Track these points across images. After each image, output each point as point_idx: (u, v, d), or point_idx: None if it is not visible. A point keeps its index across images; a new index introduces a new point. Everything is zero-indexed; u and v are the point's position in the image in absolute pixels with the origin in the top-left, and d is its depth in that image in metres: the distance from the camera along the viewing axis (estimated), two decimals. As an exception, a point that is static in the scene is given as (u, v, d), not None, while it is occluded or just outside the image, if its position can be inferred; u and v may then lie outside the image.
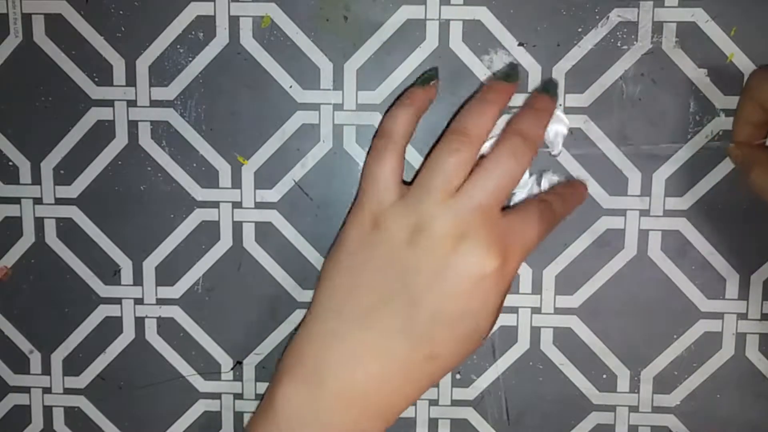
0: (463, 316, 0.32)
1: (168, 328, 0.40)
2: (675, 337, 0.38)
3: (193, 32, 0.38)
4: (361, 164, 0.38)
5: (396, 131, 0.34)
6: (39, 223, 0.39)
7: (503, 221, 0.33)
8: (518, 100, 0.37)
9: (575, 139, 0.37)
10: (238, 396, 0.40)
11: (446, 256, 0.31)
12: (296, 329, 0.35)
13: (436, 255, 0.31)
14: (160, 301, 0.40)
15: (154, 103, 0.38)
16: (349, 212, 0.36)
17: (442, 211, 0.32)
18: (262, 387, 0.40)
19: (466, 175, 0.33)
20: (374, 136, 0.36)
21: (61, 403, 0.41)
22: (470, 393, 0.39)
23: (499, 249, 0.31)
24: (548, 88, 0.36)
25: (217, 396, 0.40)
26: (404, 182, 0.35)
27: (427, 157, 0.35)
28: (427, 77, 0.36)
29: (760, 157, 0.34)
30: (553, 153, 0.37)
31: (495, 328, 0.39)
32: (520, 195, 0.37)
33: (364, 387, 0.32)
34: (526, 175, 0.37)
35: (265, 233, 0.39)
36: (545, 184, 0.37)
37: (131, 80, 0.38)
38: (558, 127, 0.37)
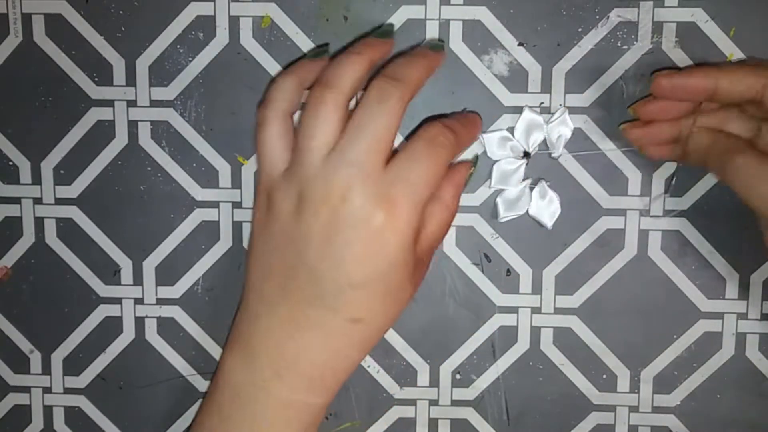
0: (372, 276, 0.31)
1: (168, 328, 0.40)
2: (675, 337, 0.38)
3: (193, 32, 0.38)
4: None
5: (277, 94, 0.33)
6: (39, 223, 0.39)
7: (386, 170, 0.31)
8: (521, 101, 0.37)
9: (575, 139, 0.37)
10: (238, 396, 0.40)
11: (330, 220, 0.31)
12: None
13: (320, 221, 0.31)
14: (160, 301, 0.40)
15: (154, 103, 0.38)
16: None
17: (318, 174, 0.31)
18: (262, 387, 0.40)
19: (339, 129, 0.31)
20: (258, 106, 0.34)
21: (62, 402, 0.41)
22: (470, 393, 0.39)
23: (381, 199, 0.30)
24: (433, 45, 0.35)
25: (217, 396, 0.40)
26: None
27: None
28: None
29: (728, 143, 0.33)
30: (553, 155, 0.37)
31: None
32: (511, 193, 0.37)
33: (293, 356, 0.32)
34: (520, 178, 0.37)
35: (265, 233, 0.39)
36: (538, 193, 0.37)
37: (131, 80, 0.38)
38: (562, 130, 0.37)
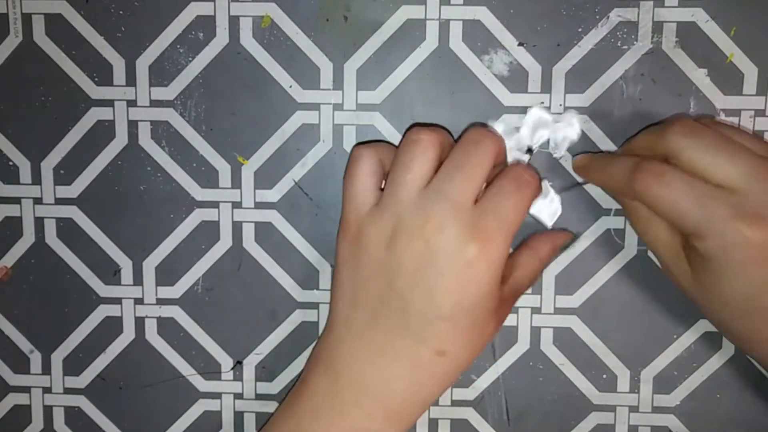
0: (461, 308, 0.31)
1: (168, 328, 0.40)
2: (675, 337, 0.38)
3: (193, 32, 0.38)
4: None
5: (374, 143, 0.34)
6: (39, 223, 0.39)
7: (477, 205, 0.32)
8: (521, 101, 0.37)
9: (575, 139, 0.37)
10: (238, 396, 0.40)
11: (424, 251, 0.31)
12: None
13: (413, 251, 0.31)
14: (160, 301, 0.40)
15: (154, 103, 0.38)
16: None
17: (413, 206, 0.32)
18: (262, 387, 0.40)
19: (433, 166, 0.32)
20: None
21: (62, 402, 0.41)
22: (470, 393, 0.39)
23: (474, 233, 0.31)
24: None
25: (217, 396, 0.40)
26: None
27: None
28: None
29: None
30: (555, 155, 0.37)
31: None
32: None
33: (374, 383, 0.32)
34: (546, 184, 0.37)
35: (265, 233, 0.39)
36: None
37: (131, 80, 0.38)
38: (568, 132, 0.36)
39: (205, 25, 0.37)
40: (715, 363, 0.38)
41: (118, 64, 0.38)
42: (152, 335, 0.40)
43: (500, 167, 0.34)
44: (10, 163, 0.39)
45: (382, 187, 0.34)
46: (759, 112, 0.37)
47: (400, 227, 0.31)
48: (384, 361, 0.32)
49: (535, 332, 0.39)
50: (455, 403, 0.39)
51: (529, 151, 0.37)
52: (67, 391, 0.40)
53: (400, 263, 0.31)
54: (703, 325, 0.38)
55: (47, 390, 0.40)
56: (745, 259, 0.29)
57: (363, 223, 0.33)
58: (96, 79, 0.38)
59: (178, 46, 0.38)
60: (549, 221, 0.37)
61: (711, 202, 0.30)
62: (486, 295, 0.32)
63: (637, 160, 0.32)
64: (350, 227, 0.33)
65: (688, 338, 0.38)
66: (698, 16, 0.36)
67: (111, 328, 0.40)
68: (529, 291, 0.38)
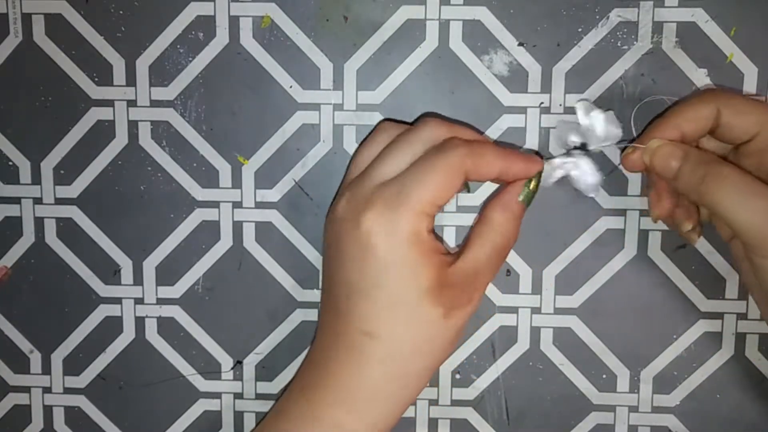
0: (368, 280, 0.30)
1: (168, 328, 0.40)
2: (675, 337, 0.38)
3: (193, 32, 0.38)
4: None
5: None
6: (39, 223, 0.39)
7: (390, 179, 0.31)
8: (521, 101, 0.37)
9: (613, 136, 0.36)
10: (239, 395, 0.40)
11: (336, 228, 0.32)
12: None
13: (332, 230, 0.32)
14: (161, 301, 0.40)
15: (154, 103, 0.38)
16: None
17: (346, 190, 0.33)
18: (262, 386, 0.40)
19: (377, 150, 0.33)
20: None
21: (62, 402, 0.41)
22: (470, 393, 0.39)
23: (368, 204, 0.31)
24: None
25: (217, 395, 0.40)
26: None
27: None
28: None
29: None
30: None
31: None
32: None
33: (324, 371, 0.32)
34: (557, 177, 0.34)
35: (265, 233, 0.39)
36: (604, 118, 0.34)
37: (131, 80, 0.38)
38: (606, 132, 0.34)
39: (205, 25, 0.37)
40: (715, 363, 0.38)
41: (118, 64, 0.38)
42: (152, 335, 0.40)
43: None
44: (10, 163, 0.39)
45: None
46: (759, 112, 0.37)
47: (337, 206, 0.32)
48: (330, 347, 0.32)
49: (535, 332, 0.39)
50: (455, 403, 0.39)
51: (582, 146, 0.35)
52: (67, 391, 0.40)
53: (329, 243, 0.33)
54: (703, 325, 0.38)
55: (47, 390, 0.40)
56: None
57: (343, 189, 0.34)
58: (96, 79, 0.38)
59: (178, 46, 0.38)
60: (593, 192, 0.34)
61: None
62: (392, 266, 0.30)
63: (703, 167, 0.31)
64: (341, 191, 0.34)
65: (688, 338, 0.38)
66: (698, 16, 0.36)
67: (111, 327, 0.40)
68: (529, 291, 0.38)
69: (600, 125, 0.34)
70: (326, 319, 0.33)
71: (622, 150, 0.35)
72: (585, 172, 0.34)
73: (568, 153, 0.35)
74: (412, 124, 0.35)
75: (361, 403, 0.32)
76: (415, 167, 0.31)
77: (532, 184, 0.33)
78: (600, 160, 0.36)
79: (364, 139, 0.35)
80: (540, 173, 0.33)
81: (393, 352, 0.31)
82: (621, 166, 0.36)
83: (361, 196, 0.31)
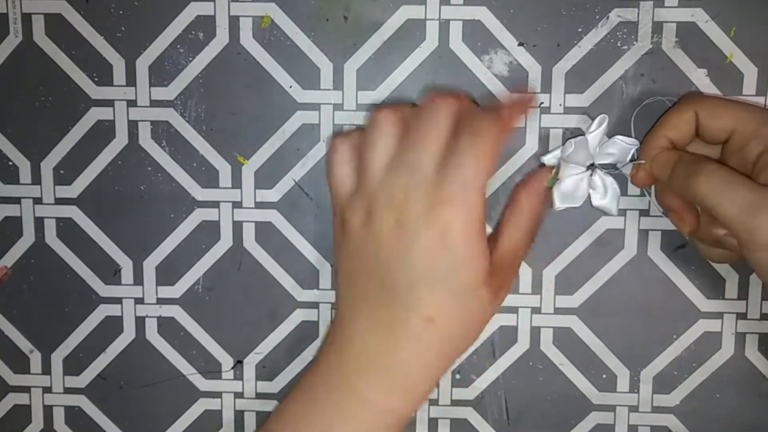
0: (436, 271, 0.32)
1: (168, 328, 0.40)
2: (675, 337, 0.38)
3: (193, 32, 0.38)
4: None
5: (349, 130, 0.35)
6: (39, 223, 0.39)
7: (439, 169, 0.32)
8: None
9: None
10: (239, 395, 0.40)
11: (397, 219, 0.32)
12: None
13: (388, 225, 0.32)
14: (161, 301, 0.40)
15: (154, 103, 0.38)
16: None
17: (379, 186, 0.33)
18: (262, 386, 0.40)
19: (394, 140, 0.33)
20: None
21: (62, 402, 0.41)
22: (470, 393, 0.39)
23: (437, 199, 0.31)
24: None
25: (217, 395, 0.40)
26: None
27: None
28: None
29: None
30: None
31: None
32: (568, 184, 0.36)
33: (377, 357, 0.33)
34: (583, 194, 0.36)
35: (265, 233, 0.39)
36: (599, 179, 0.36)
37: (131, 80, 0.38)
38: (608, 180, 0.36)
39: (205, 25, 0.37)
40: (714, 363, 0.38)
41: (118, 64, 0.38)
42: (152, 335, 0.40)
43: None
44: (10, 163, 0.39)
45: None
46: (759, 112, 0.37)
47: (372, 205, 0.33)
48: (381, 333, 0.33)
49: (535, 332, 0.39)
50: (455, 403, 0.39)
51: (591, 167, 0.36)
52: (67, 390, 0.40)
53: (379, 237, 0.32)
54: (703, 325, 0.38)
55: (47, 390, 0.41)
56: None
57: (344, 208, 0.34)
58: (96, 79, 0.38)
59: (178, 46, 0.38)
60: (613, 208, 0.37)
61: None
62: (463, 256, 0.32)
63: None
64: (336, 214, 0.35)
65: (688, 338, 0.38)
66: (698, 16, 0.36)
67: (111, 327, 0.40)
68: (529, 291, 0.38)
69: (577, 154, 0.36)
70: (371, 307, 0.33)
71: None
72: (598, 188, 0.37)
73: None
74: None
75: (413, 384, 0.33)
76: (463, 156, 0.32)
77: (554, 172, 0.36)
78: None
79: (327, 163, 0.34)
80: (559, 165, 0.36)
81: (451, 336, 0.33)
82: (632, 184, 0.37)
83: (420, 190, 0.32)
